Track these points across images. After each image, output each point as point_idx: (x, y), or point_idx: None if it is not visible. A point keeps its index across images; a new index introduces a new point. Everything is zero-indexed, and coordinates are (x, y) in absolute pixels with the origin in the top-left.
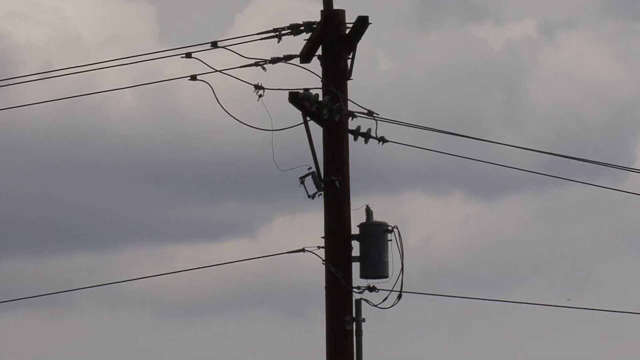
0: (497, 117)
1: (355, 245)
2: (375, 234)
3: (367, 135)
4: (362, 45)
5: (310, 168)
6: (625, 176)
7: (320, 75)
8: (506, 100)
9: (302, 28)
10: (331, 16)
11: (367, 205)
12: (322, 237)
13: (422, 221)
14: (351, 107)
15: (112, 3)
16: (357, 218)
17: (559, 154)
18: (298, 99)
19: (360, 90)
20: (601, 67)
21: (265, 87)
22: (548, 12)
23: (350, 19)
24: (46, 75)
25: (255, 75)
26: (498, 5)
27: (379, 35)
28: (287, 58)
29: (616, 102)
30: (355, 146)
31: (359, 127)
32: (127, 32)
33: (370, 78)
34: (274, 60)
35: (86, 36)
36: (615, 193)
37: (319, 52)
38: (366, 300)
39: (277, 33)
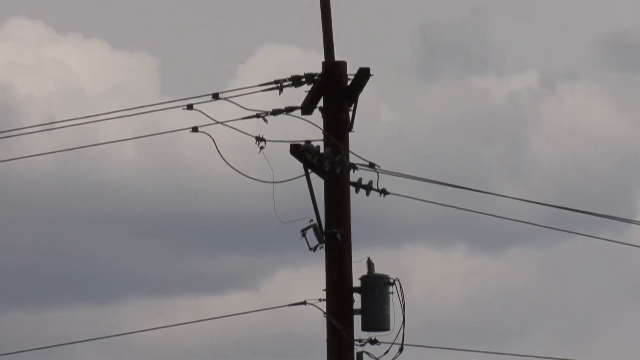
0: (500, 169)
1: (357, 297)
2: (377, 287)
3: (368, 188)
4: (364, 96)
5: (312, 220)
6: (628, 229)
7: (322, 127)
8: (509, 153)
9: (304, 80)
10: (332, 68)
11: (369, 258)
12: (324, 290)
13: (424, 274)
14: (352, 159)
15: (115, 55)
16: (358, 270)
17: (562, 206)
18: (299, 150)
19: (361, 141)
20: (604, 119)
21: (266, 139)
22: (550, 64)
23: (351, 70)
24: (48, 126)
25: (256, 127)
26: (500, 57)
27: (381, 87)
28: (288, 110)
29: (619, 154)
30: (356, 198)
31: (360, 179)
32: (129, 84)
33: (371, 129)
34: (276, 112)
35: (88, 88)
36: (619, 245)
37: (321, 103)
38: (368, 353)
39: (279, 85)
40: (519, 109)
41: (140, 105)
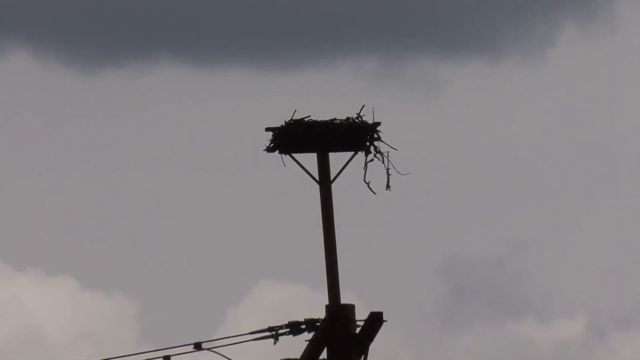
0: None
1: None
2: None
3: None
4: (377, 346)
5: None
6: None
7: None
8: None
9: (304, 326)
10: (338, 312)
11: None
12: None
13: None
14: None
15: (86, 297)
16: None
17: None
18: None
19: None
20: None
21: None
22: (600, 308)
23: (361, 315)
24: None
25: None
26: (542, 299)
27: (399, 335)
28: None
29: None
30: None
31: None
32: (101, 331)
33: None
34: None
35: (53, 333)
36: None
37: (324, 354)
38: None
39: (274, 332)
40: (566, 359)
41: (112, 356)
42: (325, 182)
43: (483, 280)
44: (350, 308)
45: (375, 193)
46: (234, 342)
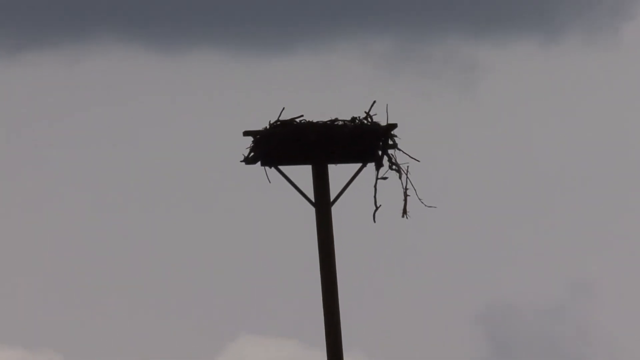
0: None
1: None
2: None
3: None
4: None
5: None
6: None
7: None
8: None
9: None
10: None
11: None
12: None
13: None
14: None
15: (3, 355)
16: None
17: None
18: None
19: None
20: None
21: None
22: None
23: None
24: None
25: None
26: (609, 351)
27: None
28: None
29: None
30: None
31: None
32: None
33: None
34: None
35: None
36: None
37: None
38: None
39: None
40: None
41: None
42: (323, 203)
43: (534, 335)
44: None
45: (375, 222)
46: None
